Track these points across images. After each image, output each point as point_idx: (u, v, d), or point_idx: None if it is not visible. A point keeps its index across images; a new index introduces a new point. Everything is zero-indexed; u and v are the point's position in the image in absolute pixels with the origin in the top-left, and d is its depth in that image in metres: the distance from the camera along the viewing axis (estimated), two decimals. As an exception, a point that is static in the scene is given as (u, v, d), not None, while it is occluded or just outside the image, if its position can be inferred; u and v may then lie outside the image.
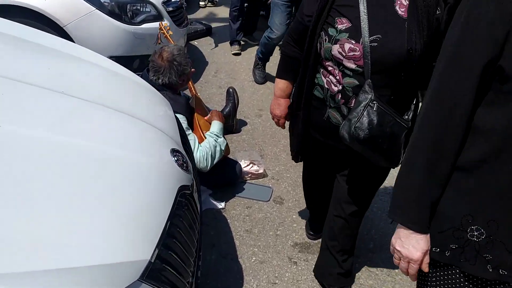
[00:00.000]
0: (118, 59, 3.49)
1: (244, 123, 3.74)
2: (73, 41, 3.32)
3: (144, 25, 3.65)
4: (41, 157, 1.27)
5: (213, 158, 2.58)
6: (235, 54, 5.08)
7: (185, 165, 1.68)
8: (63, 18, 3.28)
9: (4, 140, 1.27)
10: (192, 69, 2.73)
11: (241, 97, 4.09)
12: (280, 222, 2.68)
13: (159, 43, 3.28)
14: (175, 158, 1.64)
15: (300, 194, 2.90)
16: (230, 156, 3.19)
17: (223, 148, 2.64)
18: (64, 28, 3.29)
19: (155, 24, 3.75)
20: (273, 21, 3.85)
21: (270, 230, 2.60)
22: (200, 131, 2.65)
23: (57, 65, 1.81)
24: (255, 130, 3.66)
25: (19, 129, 1.33)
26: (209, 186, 2.83)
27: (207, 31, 5.69)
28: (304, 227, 2.63)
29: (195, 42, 5.45)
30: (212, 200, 2.75)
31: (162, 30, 3.24)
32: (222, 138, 2.66)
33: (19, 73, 1.61)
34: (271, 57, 4.48)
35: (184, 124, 2.53)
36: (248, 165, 3.10)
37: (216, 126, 2.70)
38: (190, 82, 3.00)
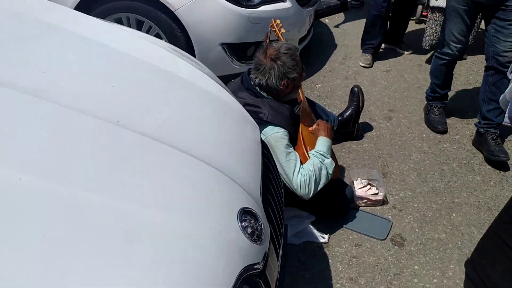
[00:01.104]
0: (230, 46, 3.18)
1: (368, 127, 3.13)
2: (184, 28, 3.04)
3: (262, 8, 3.20)
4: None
5: (317, 183, 2.09)
6: (364, 67, 4.01)
7: (256, 233, 1.24)
8: (175, 1, 3.00)
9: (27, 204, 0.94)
10: (303, 73, 2.24)
11: (370, 91, 3.48)
12: (396, 272, 2.10)
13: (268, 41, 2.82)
14: (243, 224, 1.21)
15: (429, 234, 2.28)
16: (344, 172, 2.66)
17: (330, 172, 2.12)
18: (174, 12, 3.01)
19: (275, 6, 3.29)
20: (448, 32, 2.90)
21: (381, 283, 2.05)
22: (303, 147, 2.16)
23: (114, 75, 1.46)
24: (380, 138, 3.04)
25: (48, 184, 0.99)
26: (313, 211, 2.36)
27: (342, 7, 5.00)
28: (430, 285, 2.03)
29: (326, 20, 4.86)
30: (314, 230, 2.28)
31: (273, 28, 2.77)
32: (330, 160, 2.14)
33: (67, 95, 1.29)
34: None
35: (284, 141, 2.07)
36: (364, 187, 2.54)
37: (323, 144, 2.18)
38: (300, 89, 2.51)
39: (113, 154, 1.15)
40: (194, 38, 3.09)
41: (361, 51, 4.00)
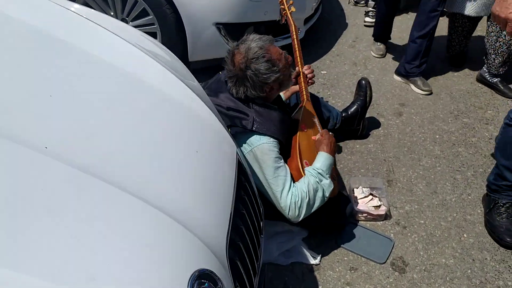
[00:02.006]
0: (226, 26, 2.84)
1: (374, 124, 2.82)
2: (173, 4, 2.70)
3: (262, -17, 2.84)
4: None
5: (310, 207, 1.80)
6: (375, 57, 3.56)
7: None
8: (163, -27, 2.65)
9: None
10: (288, 61, 1.85)
11: (380, 81, 3.14)
12: (394, 305, 1.85)
13: (284, 22, 2.47)
14: (196, 293, 0.94)
15: (435, 259, 2.00)
16: (343, 179, 2.38)
17: (327, 195, 1.83)
18: (162, -14, 2.66)
19: (278, -18, 2.91)
20: None
21: (376, 318, 1.80)
22: (298, 160, 1.87)
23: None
24: (388, 137, 2.72)
25: None
26: (305, 225, 2.09)
27: (356, -20, 4.59)
28: (429, 324, 1.78)
29: (338, -6, 4.44)
30: (304, 250, 2.02)
31: (282, 5, 2.42)
32: (329, 181, 1.83)
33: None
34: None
35: (273, 153, 1.77)
36: (365, 197, 2.26)
37: (324, 161, 1.87)
38: (302, 82, 2.18)
39: (18, 193, 0.87)
40: (184, 16, 2.75)
41: (373, 38, 3.59)
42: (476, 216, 2.22)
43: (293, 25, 2.31)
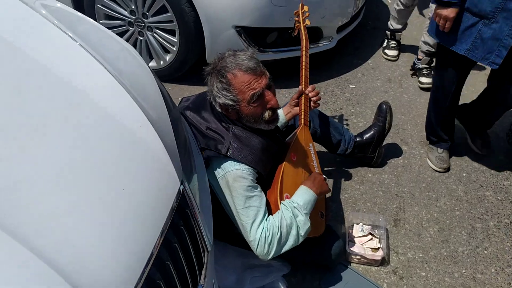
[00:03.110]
0: (247, 29, 2.68)
1: (394, 151, 2.55)
2: (191, 2, 2.57)
3: (290, -12, 2.63)
4: None
5: (281, 244, 1.62)
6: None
7: None
8: (184, -30, 2.52)
9: None
10: (267, 91, 1.60)
11: (413, 102, 2.90)
12: None
13: (296, 34, 2.27)
14: None
15: (427, 321, 1.76)
16: (344, 212, 2.16)
17: (302, 234, 1.63)
18: (182, -17, 2.54)
19: (308, -14, 2.69)
20: None
21: None
22: (278, 193, 1.68)
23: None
24: (407, 169, 2.45)
25: None
26: (289, 260, 1.91)
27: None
28: None
29: (388, 0, 4.12)
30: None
31: (297, 16, 2.21)
32: (305, 218, 1.63)
33: None
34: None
35: (245, 181, 1.59)
36: (363, 236, 2.03)
37: (303, 195, 1.67)
38: (302, 104, 1.97)
39: None
40: (203, 15, 2.61)
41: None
42: (488, 276, 1.94)
43: (304, 40, 2.10)
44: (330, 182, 2.36)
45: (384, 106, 2.36)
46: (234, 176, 1.59)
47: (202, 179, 1.53)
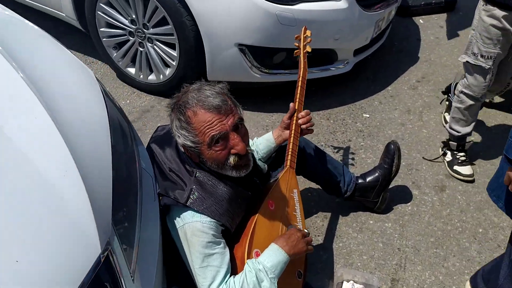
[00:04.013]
0: (251, 48, 2.46)
1: (404, 196, 2.27)
2: (192, 16, 2.37)
3: (300, 6, 2.39)
4: None
5: (239, 312, 1.39)
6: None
7: None
8: (186, -19, 2.33)
9: None
10: (232, 134, 1.36)
11: (433, 140, 2.62)
12: None
13: (295, 59, 2.03)
14: None
15: None
16: (334, 263, 1.91)
17: (265, 302, 1.39)
18: (184, -5, 2.35)
19: (321, 5, 2.46)
20: None
21: None
22: (246, 248, 1.45)
23: None
24: (415, 218, 2.17)
25: None
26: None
27: (446, 5, 3.91)
28: None
29: (420, 20, 3.81)
30: None
31: (297, 42, 1.98)
32: (271, 283, 1.38)
33: None
34: None
35: (206, 236, 1.37)
36: (352, 297, 1.77)
37: (272, 256, 1.43)
38: (291, 134, 1.73)
39: None
40: (204, 31, 2.41)
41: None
42: None
43: (302, 69, 1.87)
44: (324, 225, 2.11)
45: (392, 146, 2.09)
46: (192, 229, 1.38)
47: (152, 229, 1.33)
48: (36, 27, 1.48)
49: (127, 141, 1.41)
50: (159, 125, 1.70)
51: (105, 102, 1.31)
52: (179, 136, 1.37)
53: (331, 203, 2.20)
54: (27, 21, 1.49)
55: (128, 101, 2.81)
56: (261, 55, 2.52)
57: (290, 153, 1.70)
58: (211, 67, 2.55)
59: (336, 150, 2.52)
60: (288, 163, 1.69)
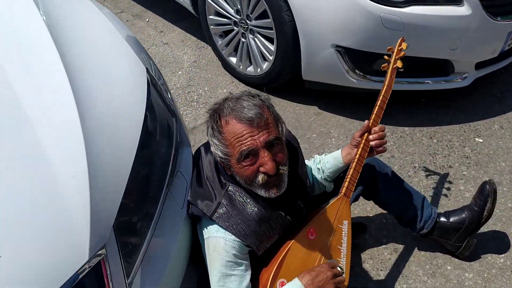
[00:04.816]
0: (349, 51, 2.28)
1: (496, 244, 1.91)
2: (290, 11, 2.26)
3: (410, 9, 2.10)
4: None
5: None
6: None
7: None
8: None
9: None
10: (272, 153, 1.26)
11: None
12: None
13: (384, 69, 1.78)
14: None
15: None
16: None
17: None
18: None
19: (437, 10, 2.14)
20: None
21: None
22: (271, 277, 1.33)
23: None
24: (505, 274, 1.81)
25: None
26: None
27: None
28: None
29: None
30: None
31: (389, 55, 1.73)
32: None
33: None
34: None
35: (227, 255, 1.29)
36: None
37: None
38: (357, 153, 1.54)
39: None
40: (301, 27, 2.29)
41: None
42: None
43: (385, 86, 1.64)
44: (391, 259, 1.88)
45: (488, 187, 1.75)
46: (215, 244, 1.32)
47: (169, 237, 1.30)
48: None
49: (166, 141, 1.39)
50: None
51: (146, 102, 1.30)
52: (212, 144, 1.30)
53: (406, 236, 1.95)
54: None
55: (225, 89, 2.83)
56: (360, 59, 2.31)
57: (348, 179, 1.52)
58: (306, 66, 2.42)
59: (429, 175, 2.22)
60: (343, 191, 1.51)
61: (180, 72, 3.00)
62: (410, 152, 2.33)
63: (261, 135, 1.23)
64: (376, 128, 1.56)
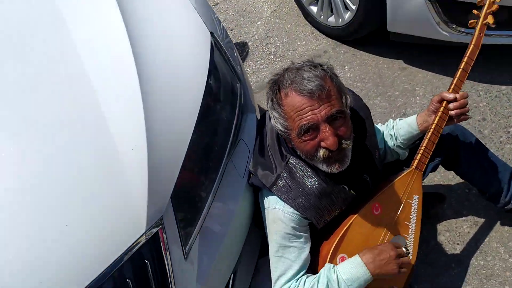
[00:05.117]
0: (442, 1, 2.05)
1: None
2: None
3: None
4: None
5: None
6: None
7: None
8: None
9: None
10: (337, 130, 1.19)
11: None
12: None
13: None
14: None
15: None
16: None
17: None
18: None
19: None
20: None
21: None
22: (331, 250, 1.30)
23: None
24: None
25: None
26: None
27: None
28: None
29: None
30: None
31: (479, 9, 1.50)
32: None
33: None
34: None
35: (286, 227, 1.28)
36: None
37: (352, 268, 1.24)
38: (434, 121, 1.40)
39: None
40: (387, -25, 2.08)
41: None
42: None
43: (471, 45, 1.45)
44: (470, 233, 1.75)
45: None
46: (274, 216, 1.31)
47: (229, 207, 1.31)
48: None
49: (229, 108, 1.37)
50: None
51: (209, 68, 1.27)
52: (271, 117, 1.26)
53: (489, 209, 1.79)
54: None
55: (304, 42, 2.71)
56: (454, 9, 2.06)
57: (421, 151, 1.40)
58: (392, 17, 2.22)
59: (526, 143, 1.99)
60: (415, 164, 1.40)
61: (259, 23, 2.92)
62: (505, 115, 2.09)
63: (322, 109, 1.16)
64: (458, 95, 1.40)
